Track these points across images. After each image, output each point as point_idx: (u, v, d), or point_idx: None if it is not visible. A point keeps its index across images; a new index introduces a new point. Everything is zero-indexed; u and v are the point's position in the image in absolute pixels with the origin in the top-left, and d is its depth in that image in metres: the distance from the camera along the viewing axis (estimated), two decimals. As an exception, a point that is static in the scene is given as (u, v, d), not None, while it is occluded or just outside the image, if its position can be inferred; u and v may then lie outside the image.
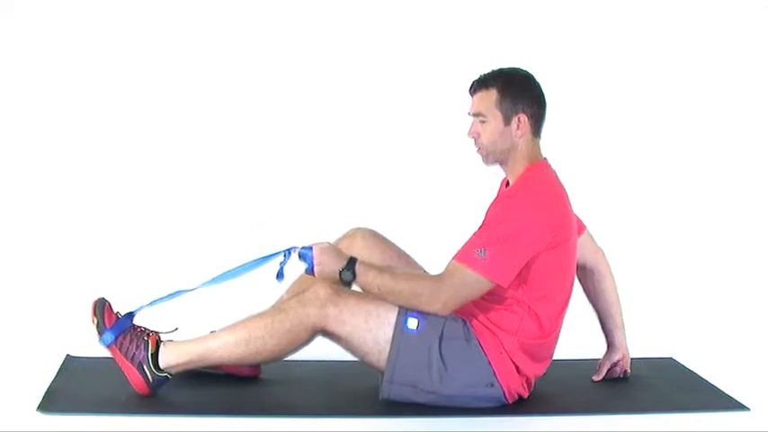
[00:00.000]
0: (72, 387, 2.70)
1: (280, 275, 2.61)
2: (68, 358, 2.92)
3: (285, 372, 2.86)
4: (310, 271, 2.60)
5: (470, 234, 2.60)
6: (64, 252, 3.92)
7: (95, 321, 2.61)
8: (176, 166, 4.26)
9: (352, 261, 2.58)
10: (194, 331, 2.68)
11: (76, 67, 4.24)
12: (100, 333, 2.60)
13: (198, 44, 4.31)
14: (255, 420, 2.53)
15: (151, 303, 2.65)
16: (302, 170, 4.30)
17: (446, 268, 2.55)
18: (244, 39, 4.33)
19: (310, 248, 2.60)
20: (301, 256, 2.61)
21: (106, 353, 2.62)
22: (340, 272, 2.57)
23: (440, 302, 2.53)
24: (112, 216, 4.11)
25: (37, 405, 2.54)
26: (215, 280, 2.67)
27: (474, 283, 2.52)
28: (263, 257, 2.66)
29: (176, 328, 2.67)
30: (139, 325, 2.64)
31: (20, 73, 4.23)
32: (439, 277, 2.55)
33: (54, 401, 2.58)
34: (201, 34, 4.31)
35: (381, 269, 2.60)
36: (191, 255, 3.92)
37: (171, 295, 2.66)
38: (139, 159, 4.25)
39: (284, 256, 2.62)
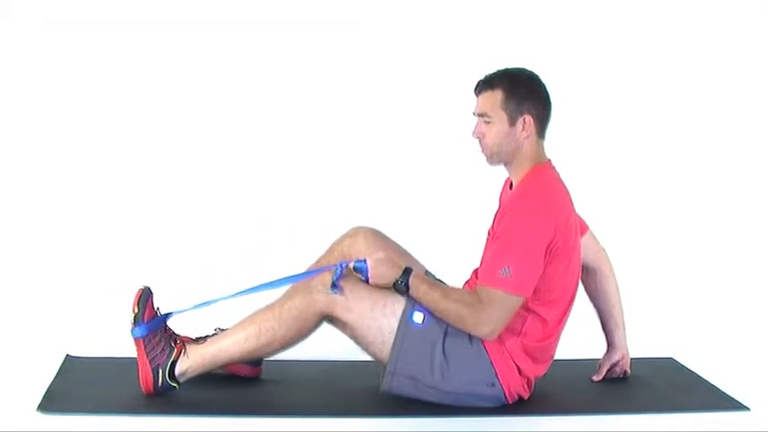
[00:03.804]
0: (72, 387, 2.70)
1: (335, 287, 2.60)
2: (68, 358, 2.91)
3: (285, 372, 2.86)
4: (365, 281, 2.62)
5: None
6: (64, 252, 3.91)
7: (135, 311, 2.61)
8: (177, 167, 4.25)
9: (406, 272, 2.60)
10: (197, 329, 2.70)
11: (77, 68, 4.24)
12: (135, 323, 2.60)
13: (199, 45, 4.31)
14: (255, 420, 2.53)
15: (193, 307, 2.66)
16: (303, 170, 4.30)
17: (479, 294, 2.54)
18: (245, 39, 4.32)
19: (364, 261, 2.62)
20: (356, 269, 2.63)
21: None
22: (394, 283, 2.60)
23: (485, 329, 2.53)
24: (113, 216, 4.10)
25: (37, 405, 2.54)
26: (259, 287, 2.69)
27: (506, 302, 2.52)
28: (314, 270, 2.70)
29: (205, 337, 2.68)
30: (171, 327, 2.66)
31: (20, 73, 4.22)
32: (478, 303, 2.53)
33: (54, 401, 2.57)
34: (202, 35, 4.30)
35: (432, 284, 2.60)
36: (191, 255, 3.92)
37: (211, 301, 2.67)
38: (140, 160, 4.24)
39: (338, 269, 2.62)
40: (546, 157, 2.66)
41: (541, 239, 2.52)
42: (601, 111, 4.37)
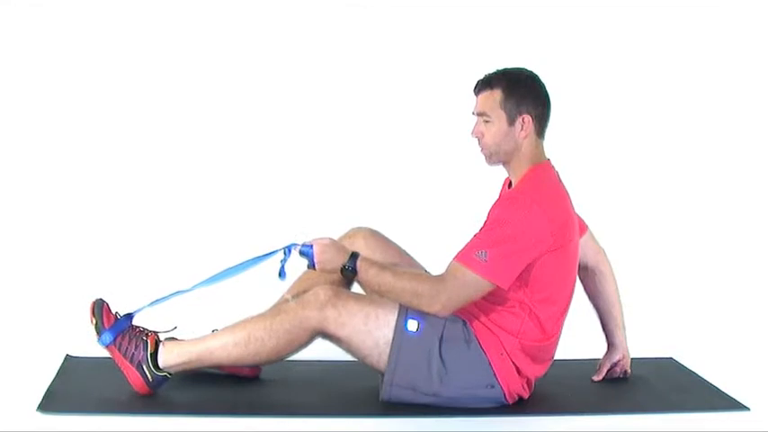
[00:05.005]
0: (72, 387, 2.70)
1: (282, 274, 2.61)
2: (68, 358, 2.92)
3: (285, 372, 2.86)
4: (312, 267, 2.60)
5: (472, 234, 2.59)
6: (63, 252, 3.92)
7: (94, 322, 2.61)
8: (176, 167, 4.26)
9: (353, 257, 2.59)
10: (196, 331, 2.69)
11: (76, 67, 4.24)
12: (98, 333, 2.60)
13: (198, 44, 4.31)
14: (255, 420, 2.53)
15: (151, 304, 2.65)
16: (302, 170, 4.30)
17: (447, 269, 2.55)
18: (244, 39, 4.33)
19: (311, 246, 2.60)
20: (302, 254, 2.60)
21: (106, 353, 2.62)
22: (342, 268, 2.58)
23: (440, 304, 2.53)
24: (112, 216, 4.10)
25: (37, 405, 2.54)
26: (214, 278, 2.67)
27: (474, 284, 2.52)
28: (263, 255, 2.65)
29: (175, 327, 2.68)
30: (138, 325, 2.65)
31: (20, 73, 4.22)
32: (439, 278, 2.55)
33: (54, 401, 2.58)
34: (201, 35, 4.31)
35: (383, 267, 2.59)
36: (190, 255, 3.91)
37: (170, 295, 2.66)
38: (139, 160, 4.24)
39: (285, 253, 2.61)
40: (545, 157, 2.65)
41: (529, 236, 2.51)
42: (601, 111, 4.37)
